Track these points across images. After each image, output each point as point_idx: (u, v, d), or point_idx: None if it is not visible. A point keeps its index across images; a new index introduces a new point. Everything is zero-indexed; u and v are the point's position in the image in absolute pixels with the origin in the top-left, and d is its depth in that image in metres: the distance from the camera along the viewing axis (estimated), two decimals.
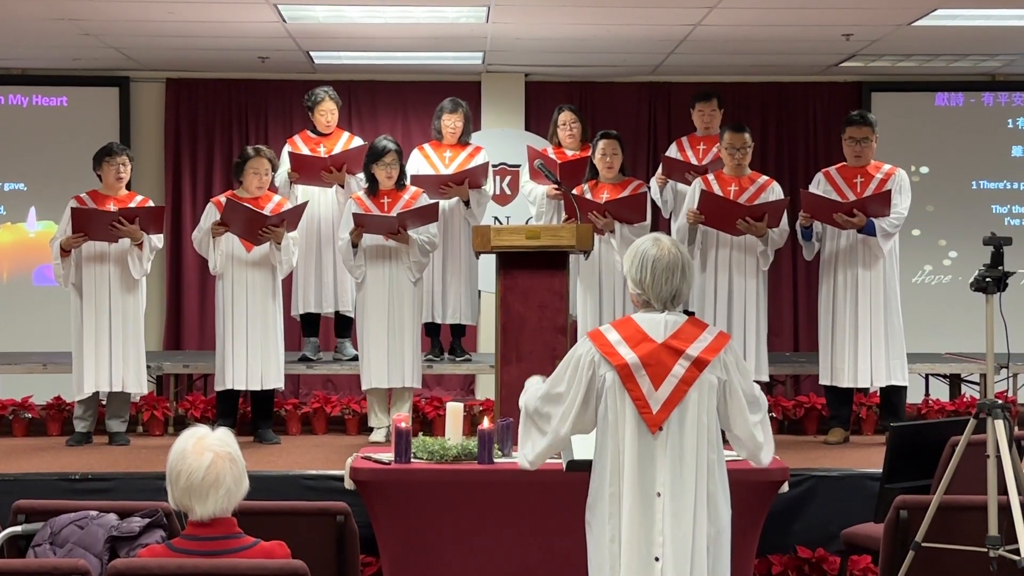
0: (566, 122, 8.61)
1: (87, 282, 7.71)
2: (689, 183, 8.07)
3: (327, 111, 8.70)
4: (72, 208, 7.64)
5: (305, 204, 8.12)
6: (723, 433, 4.14)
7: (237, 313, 7.68)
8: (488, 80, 10.81)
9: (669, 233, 8.39)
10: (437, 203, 7.91)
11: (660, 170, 8.72)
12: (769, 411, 8.27)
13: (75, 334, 7.76)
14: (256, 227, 7.55)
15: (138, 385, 7.78)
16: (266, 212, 7.64)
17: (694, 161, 8.54)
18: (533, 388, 4.26)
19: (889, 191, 7.54)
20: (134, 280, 7.74)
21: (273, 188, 8.24)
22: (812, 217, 7.63)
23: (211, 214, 7.73)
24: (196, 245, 7.86)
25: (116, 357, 7.70)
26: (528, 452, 4.18)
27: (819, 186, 7.78)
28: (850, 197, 7.61)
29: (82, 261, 7.70)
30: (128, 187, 7.89)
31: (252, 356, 7.67)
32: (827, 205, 7.58)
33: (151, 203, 7.93)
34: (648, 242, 4.14)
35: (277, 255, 7.66)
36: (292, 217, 7.75)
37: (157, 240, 7.83)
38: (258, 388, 7.72)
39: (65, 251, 7.65)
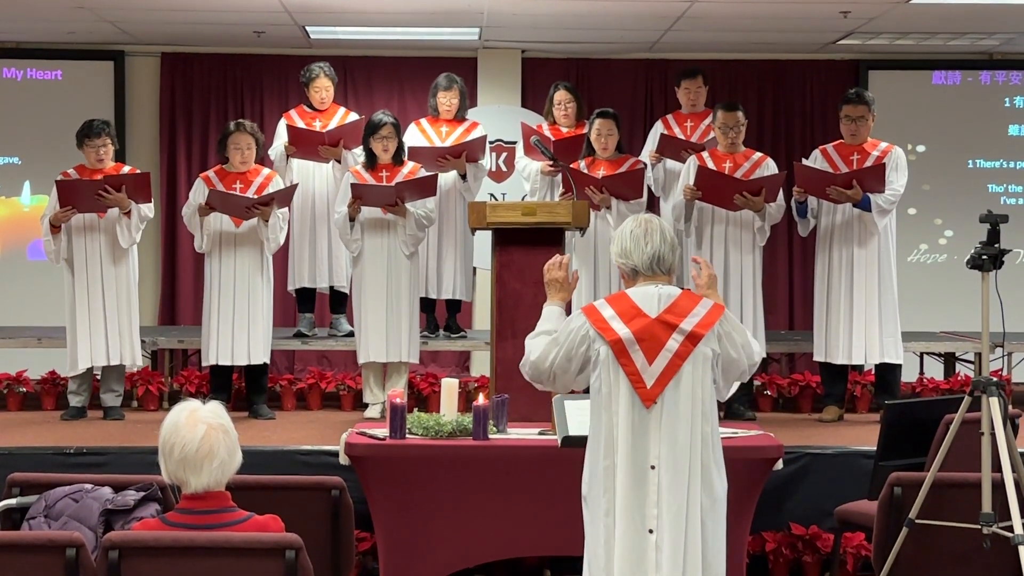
0: (561, 101, 8.58)
1: (77, 255, 7.69)
2: (683, 160, 8.05)
3: (322, 87, 8.67)
4: (57, 181, 7.63)
5: (295, 186, 8.11)
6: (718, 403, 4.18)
7: (224, 287, 7.68)
8: (484, 56, 10.77)
9: (659, 212, 8.40)
10: (435, 175, 7.88)
11: (649, 146, 8.67)
12: (764, 389, 8.34)
13: (68, 310, 7.74)
14: (243, 207, 7.55)
15: (132, 357, 7.77)
16: (254, 186, 7.66)
17: (682, 138, 8.50)
18: (534, 346, 4.33)
19: (883, 165, 7.55)
20: (124, 251, 7.72)
21: (268, 161, 8.20)
22: (807, 191, 7.63)
23: (199, 190, 7.72)
24: (186, 221, 7.86)
25: (111, 331, 7.69)
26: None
27: (816, 163, 7.79)
28: None
29: (72, 234, 7.69)
30: (124, 159, 7.86)
31: (238, 331, 7.67)
32: (821, 178, 7.58)
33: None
34: (627, 221, 4.26)
35: (264, 231, 7.64)
36: (282, 196, 7.74)
37: (147, 209, 7.80)
38: (244, 363, 7.73)
39: (55, 227, 7.64)
